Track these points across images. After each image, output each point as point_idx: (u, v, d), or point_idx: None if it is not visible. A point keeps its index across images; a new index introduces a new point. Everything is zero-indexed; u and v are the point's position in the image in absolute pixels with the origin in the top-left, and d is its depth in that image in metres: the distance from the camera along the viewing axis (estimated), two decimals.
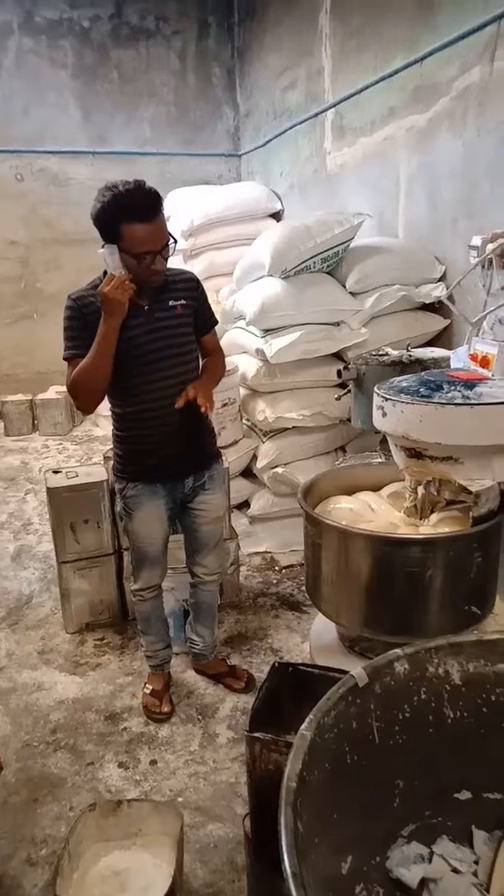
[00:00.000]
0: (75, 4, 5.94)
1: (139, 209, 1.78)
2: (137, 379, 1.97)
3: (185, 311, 2.02)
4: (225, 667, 2.47)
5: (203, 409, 1.95)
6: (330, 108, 4.45)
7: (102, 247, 1.85)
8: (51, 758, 2.13)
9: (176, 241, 1.93)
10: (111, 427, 2.14)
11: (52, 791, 2.00)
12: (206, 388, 2.01)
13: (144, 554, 2.20)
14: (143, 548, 2.19)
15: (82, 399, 1.96)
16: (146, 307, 1.95)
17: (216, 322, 2.18)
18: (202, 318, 2.10)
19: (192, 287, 2.06)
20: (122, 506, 2.16)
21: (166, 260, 1.91)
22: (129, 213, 1.78)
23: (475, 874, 1.06)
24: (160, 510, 2.14)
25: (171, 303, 1.99)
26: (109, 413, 2.12)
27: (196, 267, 4.90)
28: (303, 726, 0.95)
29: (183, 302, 2.01)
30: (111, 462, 2.87)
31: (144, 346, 1.95)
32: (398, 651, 1.12)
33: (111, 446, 2.20)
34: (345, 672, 1.12)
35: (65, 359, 1.95)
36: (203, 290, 2.11)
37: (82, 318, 1.91)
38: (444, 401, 1.57)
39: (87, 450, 5.59)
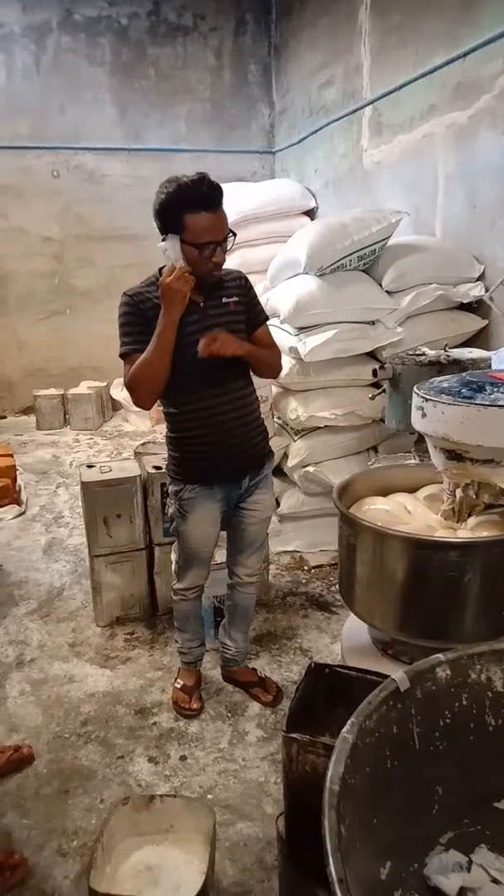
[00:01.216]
0: (114, 2, 5.98)
1: (204, 199, 1.80)
2: (193, 377, 1.95)
3: (237, 307, 2.01)
4: (255, 676, 2.42)
5: (213, 349, 1.84)
6: (368, 104, 4.41)
7: (163, 240, 1.85)
8: (81, 750, 2.15)
9: (235, 235, 1.93)
10: (165, 429, 2.12)
11: (82, 783, 2.02)
12: (230, 339, 1.90)
13: (195, 555, 2.19)
14: (195, 549, 2.17)
15: (142, 394, 1.95)
16: (201, 303, 1.94)
17: (267, 317, 2.15)
18: (253, 314, 2.08)
19: (241, 284, 2.06)
20: (176, 507, 2.12)
21: (225, 253, 1.91)
22: (194, 203, 1.79)
23: None
24: (215, 512, 2.12)
25: (224, 300, 1.99)
26: (162, 413, 2.10)
27: (229, 264, 4.89)
28: (345, 729, 0.95)
29: (235, 299, 2.01)
30: (143, 458, 2.91)
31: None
32: (440, 656, 1.11)
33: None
34: (382, 675, 1.10)
35: (121, 355, 1.95)
36: (252, 286, 2.10)
37: (140, 313, 1.91)
38: (487, 402, 1.54)
39: (116, 445, 5.63)
